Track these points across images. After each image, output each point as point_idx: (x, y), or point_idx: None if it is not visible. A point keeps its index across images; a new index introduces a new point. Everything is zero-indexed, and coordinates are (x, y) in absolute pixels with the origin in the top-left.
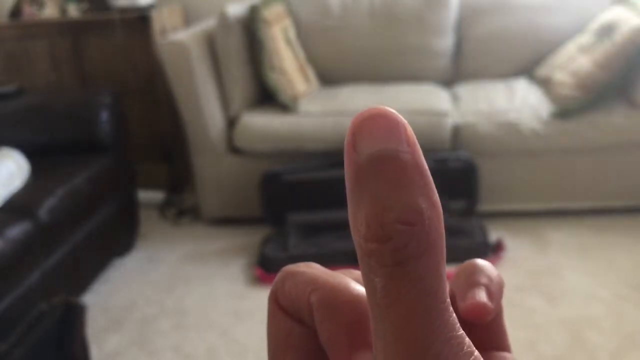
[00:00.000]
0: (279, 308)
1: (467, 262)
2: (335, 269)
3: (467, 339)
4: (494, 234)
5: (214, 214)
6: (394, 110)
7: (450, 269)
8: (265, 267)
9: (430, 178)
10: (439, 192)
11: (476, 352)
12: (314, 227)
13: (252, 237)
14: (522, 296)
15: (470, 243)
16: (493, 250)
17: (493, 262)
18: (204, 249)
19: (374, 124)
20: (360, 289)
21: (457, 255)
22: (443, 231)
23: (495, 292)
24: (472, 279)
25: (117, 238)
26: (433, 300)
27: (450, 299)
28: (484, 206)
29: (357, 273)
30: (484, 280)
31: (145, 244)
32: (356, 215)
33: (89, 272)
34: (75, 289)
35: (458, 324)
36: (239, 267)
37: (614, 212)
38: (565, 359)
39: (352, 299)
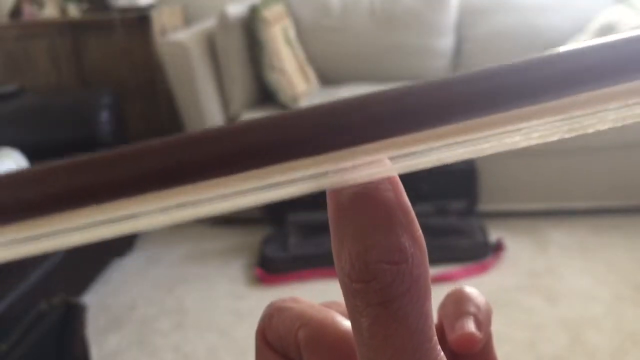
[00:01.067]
0: (265, 345)
1: (454, 290)
2: (335, 269)
3: None
4: (494, 234)
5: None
6: None
7: (451, 269)
8: (265, 267)
9: (413, 214)
10: (439, 192)
11: None
12: (314, 227)
13: (252, 237)
14: (522, 296)
15: (470, 243)
16: (493, 250)
17: (493, 262)
18: (204, 249)
19: None
20: (348, 324)
21: (457, 255)
22: (427, 268)
23: (484, 320)
24: (459, 308)
25: (117, 238)
26: (420, 339)
27: (438, 328)
28: (484, 206)
29: (345, 306)
30: (472, 309)
31: (145, 244)
32: (340, 253)
33: (89, 272)
34: (75, 289)
35: None
36: (239, 267)
37: (614, 212)
38: (565, 359)
39: (340, 335)
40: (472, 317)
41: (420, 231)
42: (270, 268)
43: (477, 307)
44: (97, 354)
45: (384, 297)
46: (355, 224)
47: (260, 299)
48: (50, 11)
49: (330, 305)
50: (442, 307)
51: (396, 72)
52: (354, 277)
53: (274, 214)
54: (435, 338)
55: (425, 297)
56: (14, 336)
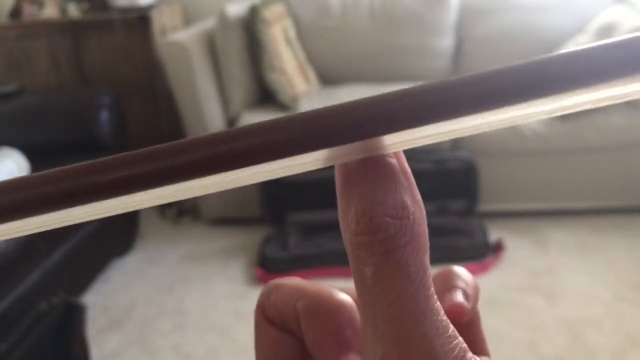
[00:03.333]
0: (265, 319)
1: (444, 269)
2: (335, 269)
3: (451, 324)
4: (494, 234)
5: (214, 214)
6: None
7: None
8: (265, 267)
9: (414, 182)
10: (439, 192)
11: (460, 337)
12: (314, 227)
13: (252, 237)
14: (522, 296)
15: (470, 243)
16: (493, 250)
17: (493, 262)
18: (204, 249)
19: None
20: (344, 296)
21: (457, 255)
22: (426, 228)
23: (472, 294)
24: (448, 283)
25: (117, 238)
26: (419, 286)
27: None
28: (484, 206)
29: (341, 286)
30: (460, 283)
31: (145, 244)
32: (346, 214)
33: (89, 272)
34: (75, 289)
35: (443, 311)
36: (239, 267)
37: (614, 212)
38: (565, 359)
39: (337, 305)
40: (460, 290)
41: (420, 197)
42: (270, 268)
43: (465, 282)
44: (97, 354)
45: (387, 247)
46: (362, 185)
47: None
48: (50, 11)
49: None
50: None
51: (396, 72)
52: (359, 231)
53: (274, 214)
54: (433, 288)
55: (424, 251)
56: (14, 336)
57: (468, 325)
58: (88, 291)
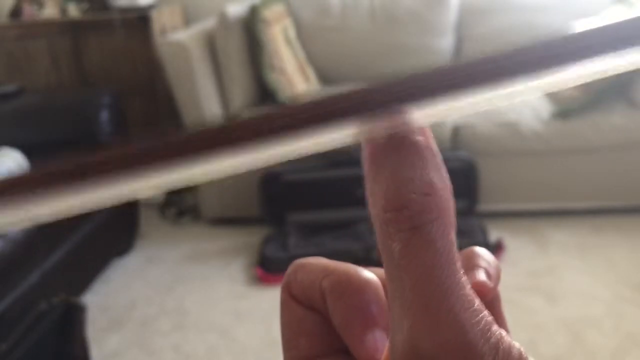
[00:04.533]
0: (291, 297)
1: (465, 249)
2: None
3: (477, 298)
4: (494, 234)
5: (214, 214)
6: None
7: None
8: (265, 267)
9: (441, 160)
10: None
11: (485, 310)
12: (314, 227)
13: (252, 237)
14: (522, 296)
15: (470, 243)
16: (493, 250)
17: None
18: (204, 249)
19: None
20: (369, 273)
21: None
22: (452, 205)
23: (494, 274)
24: (471, 263)
25: (117, 238)
26: (446, 260)
27: None
28: (484, 206)
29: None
30: (483, 263)
31: (145, 244)
32: (374, 190)
33: (89, 272)
34: (75, 289)
35: (469, 285)
36: (239, 267)
37: (614, 212)
38: (565, 359)
39: (363, 282)
40: (483, 269)
41: (448, 177)
42: (270, 268)
43: (488, 262)
44: (97, 354)
45: (415, 222)
46: (389, 163)
47: (260, 299)
48: (50, 11)
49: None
50: None
51: (396, 72)
52: (387, 208)
53: (274, 214)
54: (459, 263)
55: (451, 227)
56: (14, 336)
57: (489, 305)
58: (88, 291)
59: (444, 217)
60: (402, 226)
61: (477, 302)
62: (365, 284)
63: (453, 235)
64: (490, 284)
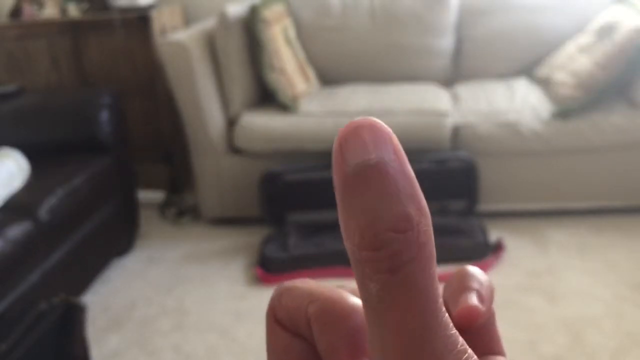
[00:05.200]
0: (276, 323)
1: (458, 269)
2: (335, 269)
3: (460, 337)
4: (494, 234)
5: (214, 214)
6: (379, 121)
7: (451, 269)
8: (265, 267)
9: (417, 184)
10: (439, 192)
11: (469, 350)
12: (314, 227)
13: (252, 237)
14: (522, 296)
15: (470, 243)
16: (493, 250)
17: (493, 262)
18: (204, 249)
19: (360, 134)
20: (355, 300)
21: (457, 255)
22: (432, 234)
23: (486, 295)
24: (463, 285)
25: (117, 238)
26: (426, 302)
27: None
28: (484, 206)
29: (351, 287)
30: (474, 285)
31: (145, 244)
32: (348, 225)
33: (89, 272)
34: (75, 289)
35: (451, 324)
36: (239, 267)
37: (614, 212)
38: (565, 359)
39: (348, 310)
40: (474, 292)
41: (424, 200)
42: (270, 268)
43: (480, 283)
44: (97, 354)
45: (393, 264)
46: (362, 195)
47: (260, 299)
48: (50, 11)
49: (337, 287)
50: (447, 286)
51: (396, 72)
52: (364, 246)
53: (274, 214)
54: (441, 300)
55: (430, 262)
56: (14, 336)
57: (483, 325)
58: (88, 291)
59: (423, 252)
60: (379, 267)
61: (460, 342)
62: (351, 311)
63: (434, 270)
64: (481, 308)
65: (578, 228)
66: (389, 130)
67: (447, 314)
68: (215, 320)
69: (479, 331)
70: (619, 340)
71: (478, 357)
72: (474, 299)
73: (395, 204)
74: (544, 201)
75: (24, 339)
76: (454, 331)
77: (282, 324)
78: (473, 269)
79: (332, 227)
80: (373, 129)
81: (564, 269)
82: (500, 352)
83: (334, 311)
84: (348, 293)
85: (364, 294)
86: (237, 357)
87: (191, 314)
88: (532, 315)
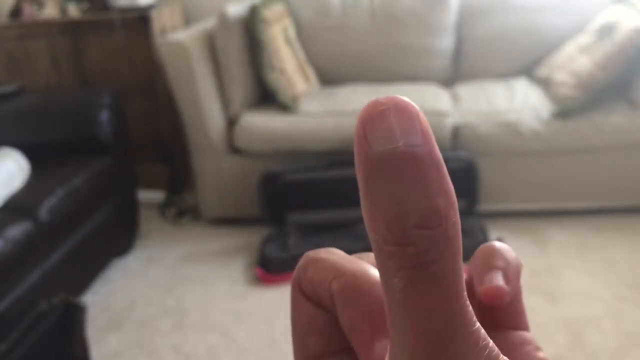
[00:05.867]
0: (301, 294)
1: (485, 245)
2: None
3: (482, 331)
4: (494, 234)
5: (214, 214)
6: (405, 99)
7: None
8: (265, 267)
9: (445, 170)
10: None
11: (491, 344)
12: (314, 227)
13: (252, 237)
14: (522, 296)
15: (470, 243)
16: None
17: None
18: (204, 249)
19: (386, 117)
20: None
21: None
22: (459, 224)
23: (512, 275)
24: (489, 262)
25: (117, 238)
26: (452, 300)
27: (468, 282)
28: (484, 206)
29: (372, 258)
30: (500, 263)
31: (145, 244)
32: (372, 214)
33: (89, 272)
34: (75, 289)
35: (474, 318)
36: (239, 267)
37: (614, 212)
38: (565, 359)
39: (373, 287)
40: (500, 271)
41: (452, 185)
42: (270, 268)
43: (506, 261)
44: (97, 354)
45: (419, 261)
46: (388, 186)
47: (260, 299)
48: (50, 11)
49: (362, 257)
50: (472, 261)
51: (396, 72)
52: (390, 241)
53: (274, 214)
54: (465, 294)
55: (457, 256)
56: (14, 336)
57: (508, 305)
58: (88, 291)
59: (451, 247)
60: (404, 263)
61: (482, 339)
62: (376, 288)
63: (459, 264)
64: (506, 288)
65: (578, 228)
66: (417, 109)
67: (470, 308)
68: (215, 320)
69: (505, 307)
70: (619, 340)
71: (502, 332)
72: (499, 279)
73: (424, 196)
74: (544, 201)
75: (24, 339)
76: (477, 326)
77: (307, 295)
78: (500, 246)
79: (332, 227)
80: (400, 110)
81: (564, 269)
82: (525, 328)
83: (358, 288)
84: (372, 267)
85: (386, 287)
86: (237, 357)
87: (191, 314)
88: (532, 315)
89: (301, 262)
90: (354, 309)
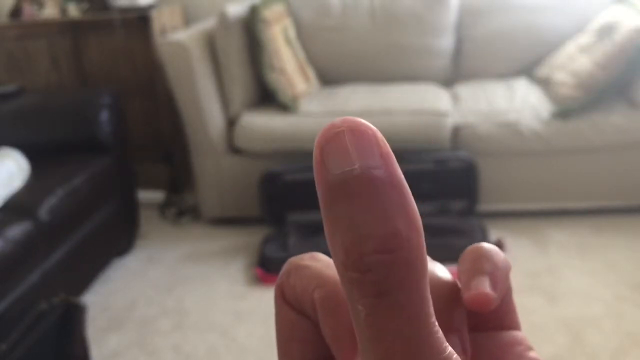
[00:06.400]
0: (284, 301)
1: (472, 247)
2: None
3: (455, 356)
4: (494, 234)
5: (214, 214)
6: (362, 121)
7: (451, 269)
8: (265, 267)
9: (407, 191)
10: (439, 192)
11: None
12: (314, 227)
13: (252, 237)
14: (522, 296)
15: (470, 243)
16: None
17: None
18: (204, 249)
19: (341, 139)
20: None
21: (457, 255)
22: (424, 246)
23: (500, 278)
24: (475, 266)
25: (117, 238)
26: (417, 327)
27: (456, 285)
28: (484, 206)
29: None
30: (487, 267)
31: (145, 244)
32: (333, 240)
33: (89, 272)
34: (75, 289)
35: (444, 344)
36: (239, 267)
37: (614, 212)
38: (565, 359)
39: None
40: (487, 277)
41: (415, 206)
42: (270, 268)
43: (494, 264)
44: (97, 354)
45: (380, 289)
46: (347, 209)
47: (260, 299)
48: (50, 11)
49: None
50: (461, 262)
51: (396, 72)
52: (349, 267)
53: (274, 214)
54: (433, 320)
55: (422, 281)
56: (14, 336)
57: (496, 308)
58: (88, 291)
59: (414, 272)
60: (366, 291)
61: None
62: None
63: (425, 286)
64: (492, 295)
65: (578, 228)
66: (374, 130)
67: (439, 333)
68: (215, 320)
69: (492, 313)
70: (619, 340)
71: (493, 332)
72: (485, 285)
73: (382, 219)
74: (544, 201)
75: (24, 339)
76: (447, 352)
77: (289, 302)
78: (488, 248)
79: None
80: (355, 132)
81: (564, 269)
82: (516, 327)
83: (340, 299)
84: None
85: (353, 314)
86: (237, 357)
87: (191, 314)
88: (532, 315)
89: (284, 268)
90: (335, 319)
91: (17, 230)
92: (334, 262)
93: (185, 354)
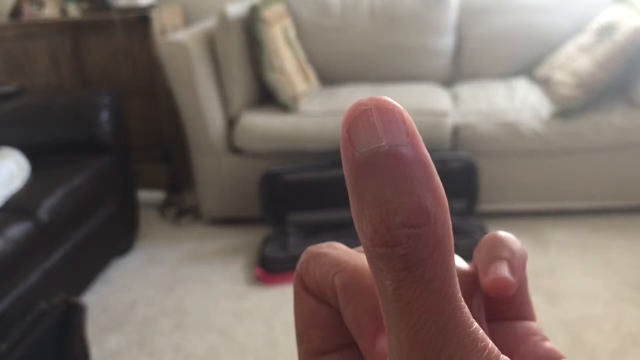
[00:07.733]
0: (303, 288)
1: (490, 235)
2: None
3: (480, 332)
4: None
5: (214, 214)
6: (389, 99)
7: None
8: (265, 267)
9: (433, 168)
10: None
11: (490, 345)
12: (314, 227)
13: (252, 237)
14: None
15: (470, 243)
16: None
17: None
18: (204, 249)
19: (368, 117)
20: None
21: (457, 255)
22: (450, 224)
23: (517, 265)
24: (494, 253)
25: (117, 238)
26: (444, 301)
27: (473, 274)
28: (484, 206)
29: None
30: (505, 254)
31: (145, 244)
32: (360, 216)
33: (89, 272)
34: (75, 289)
35: (471, 319)
36: (239, 267)
37: (613, 212)
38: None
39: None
40: (505, 262)
41: (441, 184)
42: (270, 268)
43: (512, 252)
44: (97, 354)
45: (408, 262)
46: (374, 185)
47: (260, 299)
48: (50, 11)
49: (361, 251)
50: (478, 250)
51: (396, 72)
52: (377, 242)
53: (274, 214)
54: (460, 295)
55: (449, 256)
56: (14, 336)
57: (513, 295)
58: (88, 291)
59: (440, 247)
60: (394, 264)
61: (480, 340)
62: None
63: (452, 264)
64: (511, 279)
65: (578, 228)
66: (400, 109)
67: (466, 309)
68: (215, 320)
69: (510, 298)
70: (619, 340)
71: (508, 322)
72: (504, 270)
73: (409, 195)
74: (544, 201)
75: (24, 339)
76: (474, 327)
77: (309, 290)
78: (505, 235)
79: (332, 227)
80: (382, 110)
81: (564, 269)
82: (531, 318)
83: (360, 283)
84: None
85: (379, 289)
86: (237, 357)
87: (191, 314)
88: None
89: (303, 257)
90: (356, 304)
91: (17, 230)
92: (361, 239)
93: (185, 354)
